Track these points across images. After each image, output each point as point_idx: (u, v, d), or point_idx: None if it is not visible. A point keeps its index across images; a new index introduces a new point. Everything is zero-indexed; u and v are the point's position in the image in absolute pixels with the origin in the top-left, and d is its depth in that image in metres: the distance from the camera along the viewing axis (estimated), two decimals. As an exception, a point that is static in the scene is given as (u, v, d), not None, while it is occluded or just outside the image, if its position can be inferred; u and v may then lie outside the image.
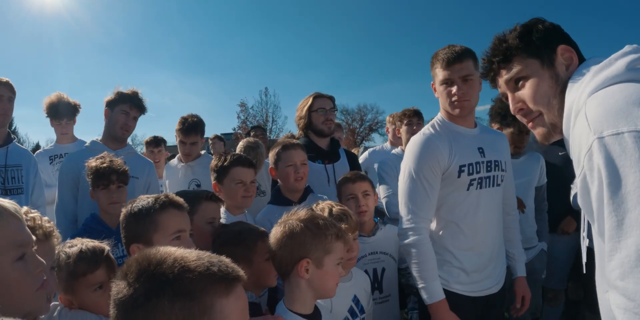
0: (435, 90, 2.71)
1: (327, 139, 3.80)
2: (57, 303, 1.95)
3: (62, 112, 4.72)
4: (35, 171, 3.88)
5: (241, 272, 1.17)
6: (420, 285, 2.56)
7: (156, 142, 6.24)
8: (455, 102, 2.60)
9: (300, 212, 2.02)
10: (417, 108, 4.59)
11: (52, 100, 4.72)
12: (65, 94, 4.81)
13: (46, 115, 4.77)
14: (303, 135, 3.82)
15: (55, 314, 1.90)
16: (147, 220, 1.97)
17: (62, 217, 3.49)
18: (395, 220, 3.65)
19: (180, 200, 2.08)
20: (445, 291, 2.61)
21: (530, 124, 1.63)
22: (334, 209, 2.46)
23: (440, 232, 2.68)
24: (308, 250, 1.91)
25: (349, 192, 3.01)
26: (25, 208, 1.70)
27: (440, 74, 2.60)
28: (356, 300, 2.45)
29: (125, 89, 3.74)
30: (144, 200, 2.04)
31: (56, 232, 1.77)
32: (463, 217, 2.63)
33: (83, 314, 1.92)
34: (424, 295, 2.55)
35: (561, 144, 4.29)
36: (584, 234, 1.55)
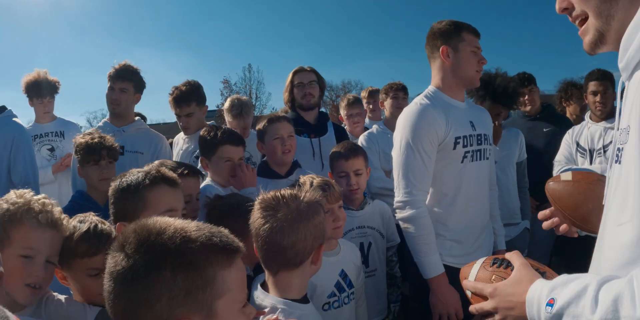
0: (446, 55, 2.65)
1: (314, 112, 3.82)
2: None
3: (44, 90, 4.57)
4: (17, 147, 3.60)
5: (241, 244, 1.15)
6: (418, 260, 2.57)
7: None
8: (478, 73, 2.68)
9: (307, 196, 1.75)
10: (403, 83, 4.59)
11: (32, 77, 4.56)
12: (44, 71, 4.65)
13: (25, 93, 4.59)
14: (290, 110, 3.86)
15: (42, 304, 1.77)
16: (135, 197, 1.85)
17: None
18: (376, 194, 3.68)
19: (173, 175, 1.97)
20: None
21: (580, 31, 1.32)
22: (315, 181, 2.39)
23: (434, 205, 2.68)
24: (325, 235, 1.77)
25: (341, 169, 2.97)
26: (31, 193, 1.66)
27: (472, 40, 2.65)
28: (343, 274, 2.41)
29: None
30: (134, 174, 1.91)
31: (66, 223, 1.70)
32: (457, 190, 2.65)
33: (69, 301, 1.80)
34: (423, 269, 2.57)
35: (546, 119, 4.42)
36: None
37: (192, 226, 1.10)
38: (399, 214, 2.63)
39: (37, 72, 4.59)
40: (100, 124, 3.92)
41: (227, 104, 4.23)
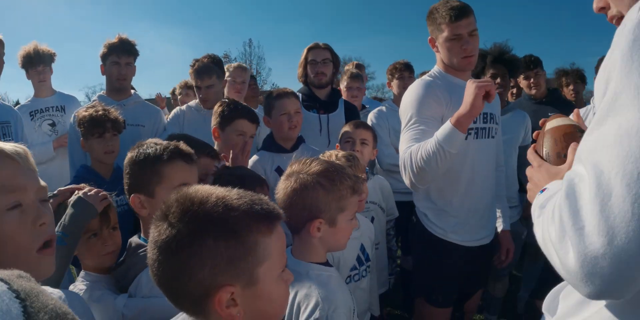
0: (434, 45, 2.71)
1: (326, 89, 3.80)
2: None
3: (38, 58, 4.44)
4: (22, 128, 3.78)
5: (281, 211, 1.15)
6: (440, 146, 2.37)
7: None
8: (466, 58, 2.61)
9: (313, 164, 1.80)
10: (408, 61, 4.56)
11: (27, 48, 4.44)
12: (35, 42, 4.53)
13: (21, 66, 4.47)
14: (303, 85, 3.87)
15: None
16: (151, 170, 1.84)
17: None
18: (387, 171, 3.71)
19: (190, 151, 1.96)
20: (442, 241, 2.69)
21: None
22: (339, 155, 2.43)
23: (439, 181, 2.67)
24: (321, 210, 1.74)
25: (348, 135, 3.05)
26: None
27: (447, 29, 2.58)
28: (362, 248, 2.46)
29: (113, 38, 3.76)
30: (151, 147, 1.89)
31: None
32: (461, 166, 2.65)
33: None
34: (443, 136, 2.36)
35: (552, 103, 4.42)
36: None
37: (234, 194, 1.10)
38: (403, 170, 2.54)
39: (32, 43, 4.48)
40: (95, 98, 3.82)
41: (228, 65, 4.43)
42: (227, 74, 4.26)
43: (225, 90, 4.18)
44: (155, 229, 1.07)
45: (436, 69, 2.77)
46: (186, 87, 5.94)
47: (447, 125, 2.35)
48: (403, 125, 2.65)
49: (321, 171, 1.76)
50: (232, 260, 1.04)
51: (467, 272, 2.79)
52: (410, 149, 2.48)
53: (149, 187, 1.83)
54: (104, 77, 3.78)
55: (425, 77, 2.75)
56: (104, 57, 3.71)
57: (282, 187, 1.80)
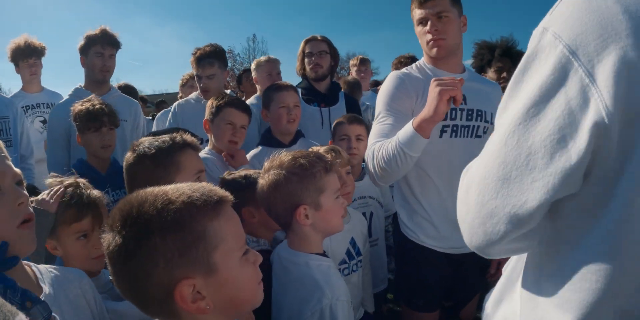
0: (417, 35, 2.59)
1: (325, 82, 3.74)
2: None
3: (30, 51, 4.39)
4: (22, 121, 3.77)
5: (225, 193, 1.15)
6: (397, 149, 2.23)
7: None
8: (431, 42, 2.45)
9: (282, 158, 1.82)
10: (414, 55, 4.51)
11: (18, 41, 4.40)
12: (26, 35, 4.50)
13: (11, 59, 4.43)
14: (302, 78, 3.81)
15: None
16: (167, 162, 1.83)
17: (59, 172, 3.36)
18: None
19: (195, 141, 1.96)
20: (416, 245, 2.52)
21: None
22: (322, 149, 2.38)
23: (411, 180, 2.52)
24: (300, 197, 1.76)
25: (343, 132, 2.97)
26: None
27: (416, 14, 2.48)
28: (353, 242, 2.42)
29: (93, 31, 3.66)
30: (156, 141, 1.88)
31: None
32: (433, 166, 2.45)
33: None
34: (404, 139, 2.21)
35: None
36: None
37: (172, 188, 1.10)
38: (368, 163, 2.42)
39: (22, 36, 4.44)
40: (71, 92, 3.65)
41: (255, 61, 4.42)
42: (256, 70, 4.27)
43: (261, 87, 4.16)
44: (105, 242, 1.07)
45: (421, 60, 2.64)
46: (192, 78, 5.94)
47: (409, 128, 2.19)
48: (375, 117, 2.54)
49: (288, 161, 1.79)
50: (183, 251, 1.03)
51: (452, 279, 2.60)
52: (374, 146, 2.37)
53: (168, 178, 1.76)
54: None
55: (403, 69, 2.63)
56: (85, 49, 3.60)
57: (260, 186, 1.82)
